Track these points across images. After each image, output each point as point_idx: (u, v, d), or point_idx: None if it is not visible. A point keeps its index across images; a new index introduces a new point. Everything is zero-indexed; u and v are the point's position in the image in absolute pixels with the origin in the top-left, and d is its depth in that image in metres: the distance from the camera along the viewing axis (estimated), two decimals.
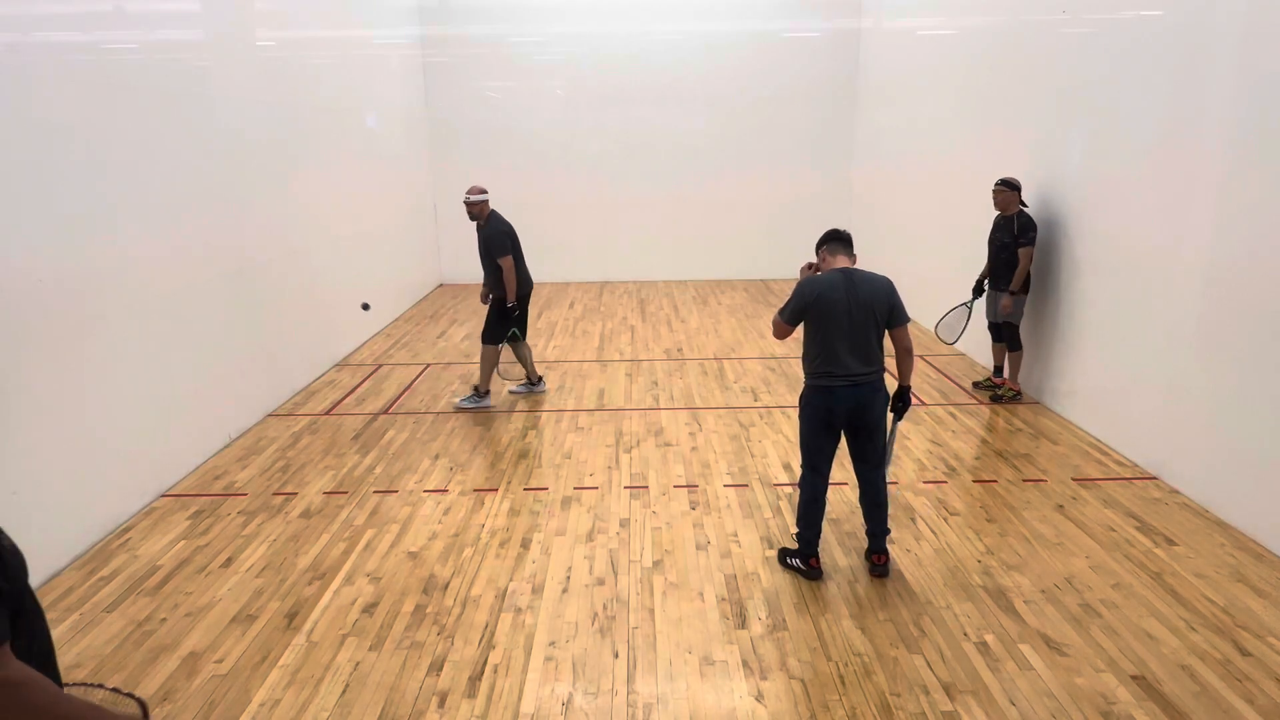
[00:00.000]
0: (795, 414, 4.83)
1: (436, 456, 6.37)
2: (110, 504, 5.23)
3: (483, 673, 3.83)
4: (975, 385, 7.76)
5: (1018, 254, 6.92)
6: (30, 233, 4.64)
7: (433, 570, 4.72)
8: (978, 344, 7.94)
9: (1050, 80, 7.19)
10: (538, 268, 12.36)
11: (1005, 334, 7.27)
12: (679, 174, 13.28)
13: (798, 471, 4.79)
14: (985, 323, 7.51)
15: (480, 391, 7.48)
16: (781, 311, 4.47)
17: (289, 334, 7.86)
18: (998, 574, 4.58)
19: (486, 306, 7.57)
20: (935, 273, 9.51)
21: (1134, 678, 3.71)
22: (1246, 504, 4.99)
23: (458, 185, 13.16)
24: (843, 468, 5.17)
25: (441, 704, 3.62)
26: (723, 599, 4.39)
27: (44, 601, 4.39)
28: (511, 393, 7.82)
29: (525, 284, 7.42)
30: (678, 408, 7.42)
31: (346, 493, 5.75)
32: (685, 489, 5.73)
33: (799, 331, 4.53)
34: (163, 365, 5.84)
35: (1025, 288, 7.07)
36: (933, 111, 9.95)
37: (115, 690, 2.11)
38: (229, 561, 4.84)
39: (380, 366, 8.85)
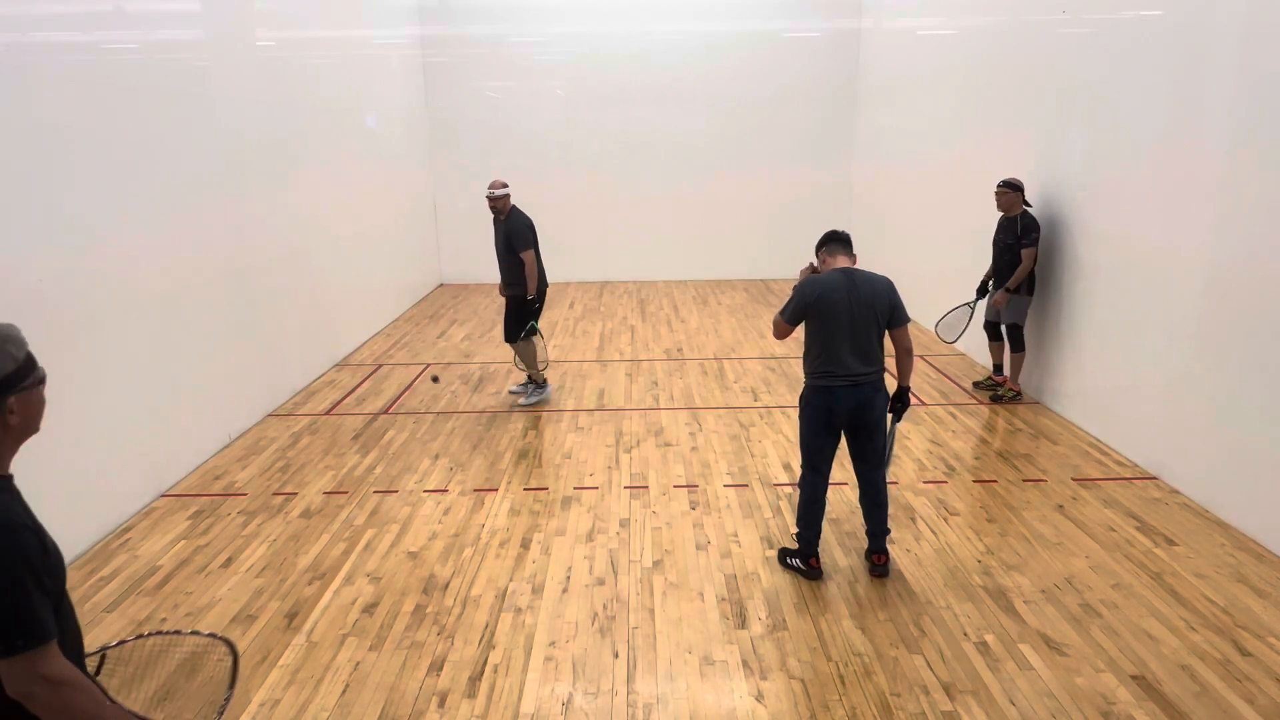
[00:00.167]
0: (795, 414, 4.83)
1: (436, 456, 6.37)
2: (110, 504, 5.23)
3: (483, 673, 3.83)
4: (976, 385, 7.76)
5: (1021, 254, 6.92)
6: (30, 232, 4.64)
7: (433, 570, 4.72)
8: (979, 344, 7.94)
9: (1050, 80, 7.19)
10: None
11: (1009, 335, 7.27)
12: (679, 174, 13.28)
13: (798, 471, 4.79)
14: (982, 322, 7.50)
15: (537, 382, 7.58)
16: (782, 311, 4.47)
17: (289, 334, 7.86)
18: (998, 574, 4.58)
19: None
20: (935, 273, 9.51)
21: (1134, 678, 3.71)
22: (1246, 504, 4.99)
23: (458, 185, 13.24)
24: (843, 468, 5.17)
25: (441, 704, 3.62)
26: (723, 599, 4.39)
27: None
28: (512, 393, 7.82)
29: (542, 281, 7.45)
30: (678, 408, 7.42)
31: (346, 493, 5.75)
32: (685, 489, 5.73)
33: (799, 331, 4.53)
34: (162, 365, 5.84)
35: (1030, 289, 7.06)
36: (933, 111, 9.95)
37: (211, 635, 2.15)
38: (229, 561, 4.84)
39: (380, 366, 8.85)
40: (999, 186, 7.04)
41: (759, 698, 3.63)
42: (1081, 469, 5.93)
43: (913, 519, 5.23)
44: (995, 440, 6.56)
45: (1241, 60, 5.02)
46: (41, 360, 1.96)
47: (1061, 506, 5.37)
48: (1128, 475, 5.82)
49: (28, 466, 2.52)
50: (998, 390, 7.46)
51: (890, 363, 4.47)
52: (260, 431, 6.93)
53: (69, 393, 4.80)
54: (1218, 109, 5.20)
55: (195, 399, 6.21)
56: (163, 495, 5.72)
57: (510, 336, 7.49)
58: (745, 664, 3.86)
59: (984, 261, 7.45)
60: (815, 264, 4.66)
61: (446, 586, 4.55)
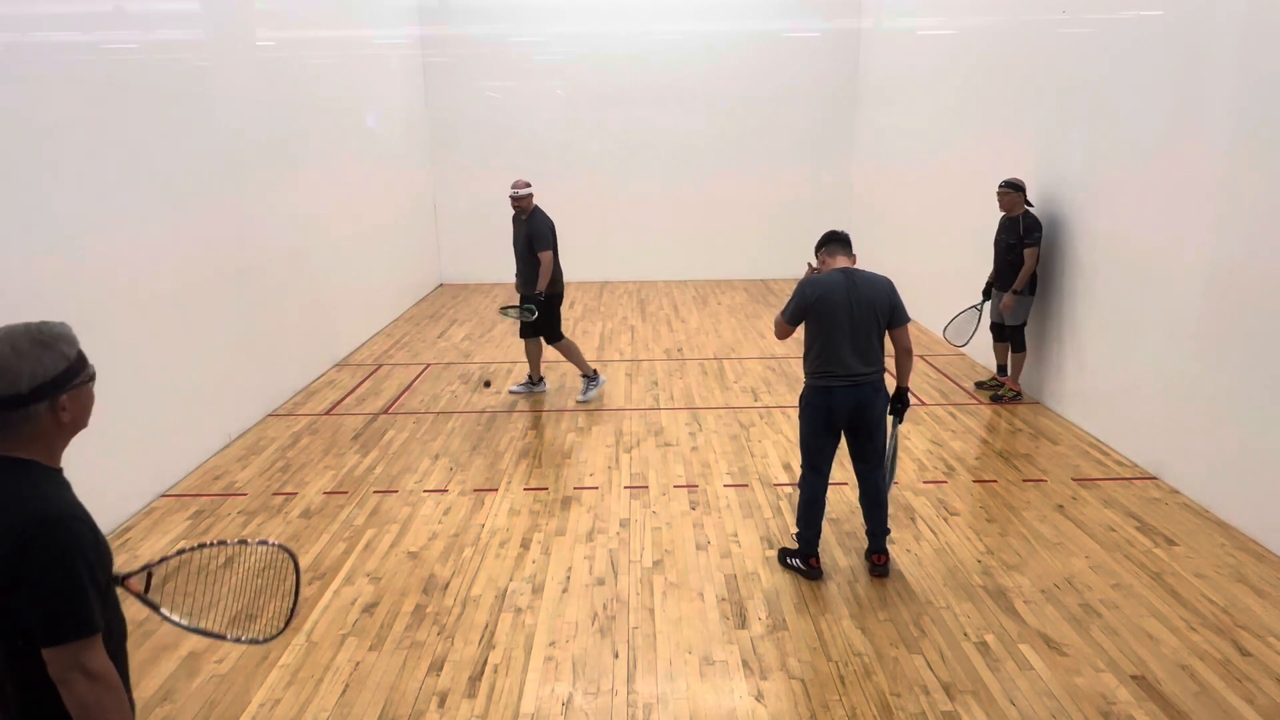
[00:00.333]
0: (795, 414, 4.83)
1: (436, 456, 6.37)
2: (110, 503, 5.23)
3: (483, 673, 3.83)
4: (978, 385, 7.75)
5: (1023, 254, 6.92)
6: (30, 232, 4.64)
7: (433, 570, 4.72)
8: (980, 344, 7.94)
9: (1050, 80, 7.19)
10: None
11: (1011, 335, 7.26)
12: (679, 174, 13.28)
13: (798, 471, 4.79)
14: (988, 323, 7.50)
15: (589, 376, 7.64)
16: (783, 312, 4.47)
17: (289, 334, 7.86)
18: (998, 574, 4.58)
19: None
20: (935, 273, 9.51)
21: (1134, 678, 3.71)
22: (1246, 504, 4.99)
23: (458, 185, 13.25)
24: (843, 468, 5.17)
25: (441, 704, 3.62)
26: (723, 599, 4.39)
27: None
28: (511, 392, 7.82)
29: (559, 283, 7.49)
30: (678, 408, 7.42)
31: (346, 493, 5.75)
32: (685, 489, 5.73)
33: (800, 331, 4.53)
34: (163, 365, 5.84)
35: (1031, 289, 7.06)
36: (933, 111, 9.95)
37: (262, 543, 2.31)
38: (229, 561, 4.83)
39: (380, 366, 8.85)
40: (1001, 187, 7.03)
41: (759, 698, 3.63)
42: (1081, 469, 5.93)
43: (913, 519, 5.23)
44: (995, 440, 6.56)
45: (1241, 60, 5.02)
46: None
47: (1061, 506, 5.37)
48: (1128, 475, 5.82)
49: None
50: (998, 390, 7.46)
51: (890, 363, 4.47)
52: (260, 431, 6.93)
53: None
54: (1218, 109, 5.20)
55: (195, 399, 6.21)
56: (163, 495, 5.73)
57: (553, 337, 7.52)
58: (745, 664, 3.86)
59: (984, 261, 7.44)
60: (813, 264, 4.67)
61: (446, 586, 4.56)
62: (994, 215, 7.24)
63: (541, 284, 7.29)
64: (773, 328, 4.58)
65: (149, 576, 2.17)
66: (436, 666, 3.87)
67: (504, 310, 7.73)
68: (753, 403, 7.51)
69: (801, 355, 4.54)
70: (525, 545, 4.99)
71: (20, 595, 1.76)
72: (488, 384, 8.09)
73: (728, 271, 13.62)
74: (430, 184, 13.17)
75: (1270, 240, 4.77)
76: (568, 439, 6.72)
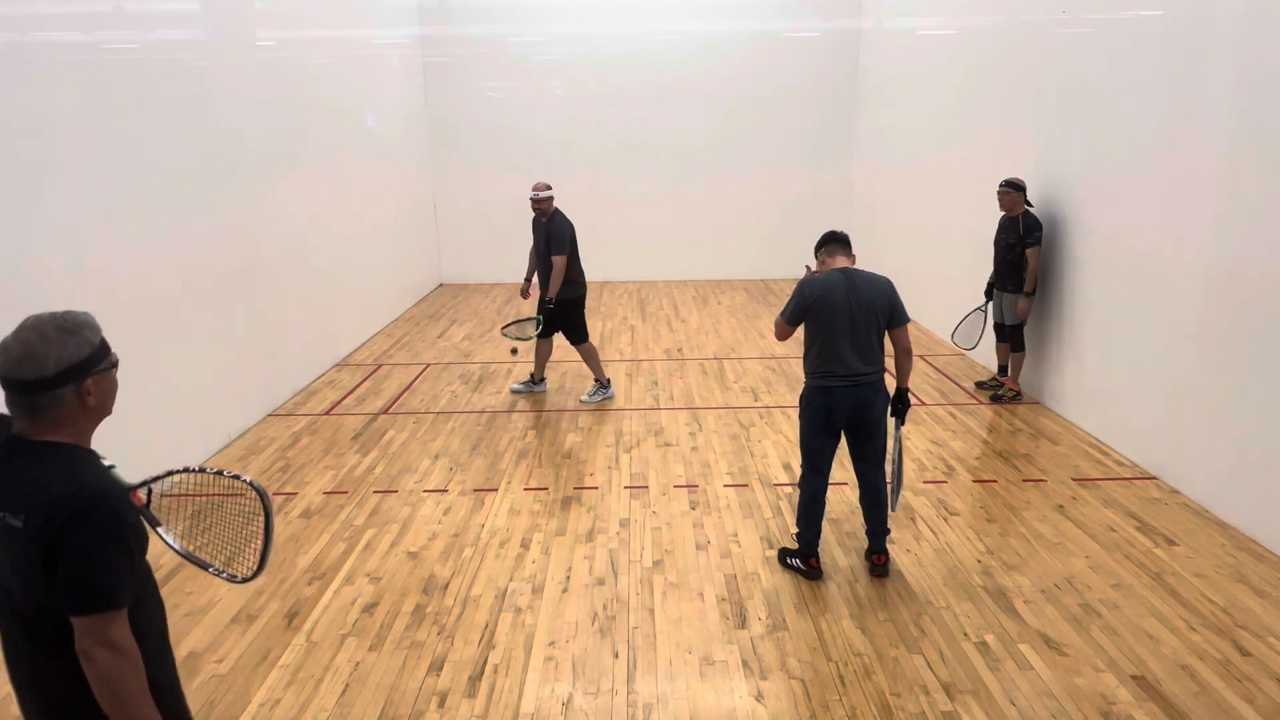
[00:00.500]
0: (795, 414, 4.83)
1: (436, 456, 6.37)
2: None
3: (483, 673, 3.83)
4: (978, 385, 7.75)
5: (1025, 255, 6.91)
6: (30, 232, 4.64)
7: (433, 570, 4.72)
8: (981, 345, 7.93)
9: (1050, 80, 7.19)
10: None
11: (1010, 335, 7.26)
12: (679, 174, 13.27)
13: (798, 471, 4.79)
14: (991, 323, 7.49)
15: (601, 383, 7.63)
16: (782, 312, 4.47)
17: (289, 334, 7.86)
18: (998, 574, 4.58)
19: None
20: (936, 273, 9.51)
21: (1134, 678, 3.71)
22: (1246, 504, 4.99)
23: (458, 185, 13.25)
24: (843, 468, 5.17)
25: (441, 704, 3.62)
26: (723, 599, 4.39)
27: None
28: (513, 391, 7.83)
29: (581, 285, 7.49)
30: (678, 408, 7.43)
31: (346, 493, 5.75)
32: (685, 489, 5.73)
33: (800, 331, 4.53)
34: (162, 365, 5.84)
35: (1033, 288, 7.06)
36: (933, 111, 9.95)
37: (235, 477, 2.31)
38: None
39: (380, 366, 8.85)
40: (1001, 186, 7.03)
41: (759, 698, 3.63)
42: (1081, 469, 5.93)
43: (913, 519, 5.23)
44: (995, 440, 6.56)
45: (1241, 60, 5.02)
46: None
47: (1061, 506, 5.37)
48: (1128, 475, 5.82)
49: None
50: (998, 390, 7.46)
51: (891, 364, 4.47)
52: (260, 431, 6.94)
53: None
54: (1218, 109, 5.20)
55: (195, 399, 6.21)
56: (163, 496, 5.71)
57: (578, 339, 7.52)
58: (745, 664, 3.86)
59: (984, 261, 7.44)
60: (811, 267, 4.67)
61: (446, 586, 4.56)
62: (994, 215, 7.23)
63: (553, 289, 7.28)
64: (773, 329, 4.57)
65: (149, 492, 2.23)
66: (436, 666, 3.87)
67: (505, 331, 7.70)
68: (753, 403, 7.51)
69: (801, 355, 4.54)
70: (525, 545, 4.99)
71: (62, 563, 1.83)
72: (515, 351, 8.03)
73: (728, 271, 13.62)
74: (430, 184, 13.16)
75: (1270, 240, 4.77)
76: (568, 439, 6.72)
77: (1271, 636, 3.98)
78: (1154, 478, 5.75)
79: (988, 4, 8.57)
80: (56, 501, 1.83)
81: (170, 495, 2.30)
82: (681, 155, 13.24)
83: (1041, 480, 5.77)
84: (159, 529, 2.24)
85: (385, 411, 7.43)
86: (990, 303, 7.42)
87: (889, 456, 4.66)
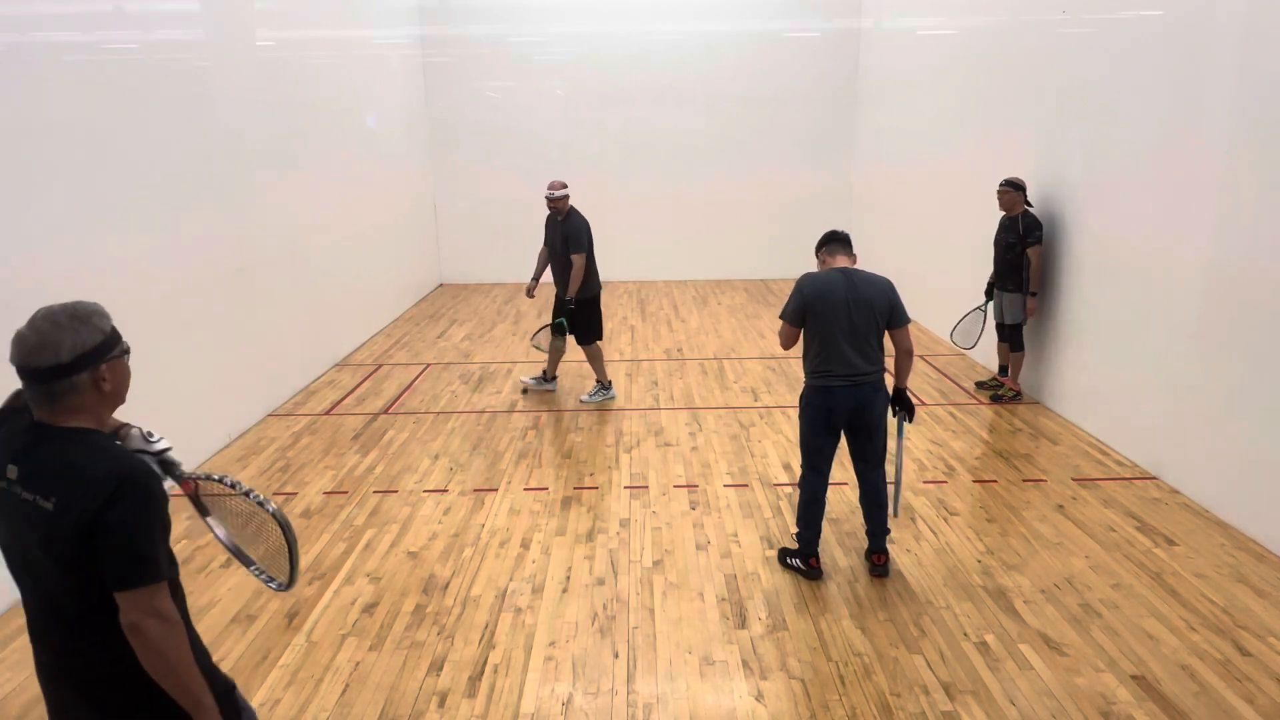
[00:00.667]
0: (795, 414, 4.83)
1: (436, 456, 6.37)
2: None
3: (483, 673, 3.83)
4: (978, 385, 7.75)
5: (1026, 254, 6.91)
6: (30, 232, 4.64)
7: (433, 570, 4.72)
8: (981, 345, 7.93)
9: (1050, 80, 7.19)
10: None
11: (1010, 334, 7.26)
12: (679, 174, 13.27)
13: (798, 471, 4.79)
14: (993, 324, 7.49)
15: (603, 384, 7.61)
16: (782, 314, 4.45)
17: (289, 334, 7.86)
18: (998, 574, 4.58)
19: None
20: (936, 273, 9.51)
21: (1134, 678, 3.71)
22: (1246, 504, 4.99)
23: (458, 185, 13.25)
24: (843, 468, 5.17)
25: (441, 704, 3.62)
26: (723, 599, 4.39)
27: None
28: (522, 384, 7.83)
29: (596, 284, 7.47)
30: (678, 408, 7.43)
31: (346, 493, 5.75)
32: (685, 489, 5.73)
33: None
34: (162, 365, 5.83)
35: (1037, 288, 7.05)
36: (933, 112, 9.95)
37: (260, 504, 2.31)
38: (229, 561, 4.83)
39: (380, 366, 8.86)
40: (1001, 186, 7.03)
41: (759, 698, 3.63)
42: (1081, 469, 5.93)
43: (913, 519, 5.23)
44: (995, 440, 6.56)
45: (1241, 60, 5.02)
46: None
47: (1061, 506, 5.37)
48: (1128, 475, 5.82)
49: None
50: (998, 390, 7.46)
51: (891, 364, 4.47)
52: (260, 431, 6.94)
53: None
54: (1218, 109, 5.20)
55: (195, 399, 6.21)
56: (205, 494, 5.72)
57: (585, 339, 7.50)
58: (745, 664, 3.86)
59: (984, 261, 7.44)
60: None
61: (446, 586, 4.56)
62: (994, 215, 7.24)
63: (572, 288, 7.26)
64: (778, 337, 4.56)
65: (197, 485, 2.31)
66: (436, 666, 3.87)
67: (535, 343, 7.66)
68: (753, 403, 7.51)
69: (801, 356, 4.54)
70: (525, 545, 4.99)
71: (104, 541, 1.87)
72: (538, 347, 7.90)
73: (728, 271, 13.62)
74: (430, 184, 13.17)
75: (1270, 240, 4.77)
76: (568, 439, 6.72)
77: (1271, 636, 3.98)
78: (1154, 478, 5.75)
79: (988, 4, 8.57)
80: (92, 482, 1.88)
81: (211, 495, 2.36)
82: (681, 155, 13.24)
83: (1041, 480, 5.77)
84: (208, 518, 2.34)
85: (385, 411, 7.43)
86: (990, 302, 7.42)
87: (889, 459, 4.65)
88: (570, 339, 7.54)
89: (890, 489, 4.67)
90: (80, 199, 5.04)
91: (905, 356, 4.49)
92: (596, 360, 7.61)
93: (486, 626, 4.18)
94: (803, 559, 4.58)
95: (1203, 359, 5.34)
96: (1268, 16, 4.81)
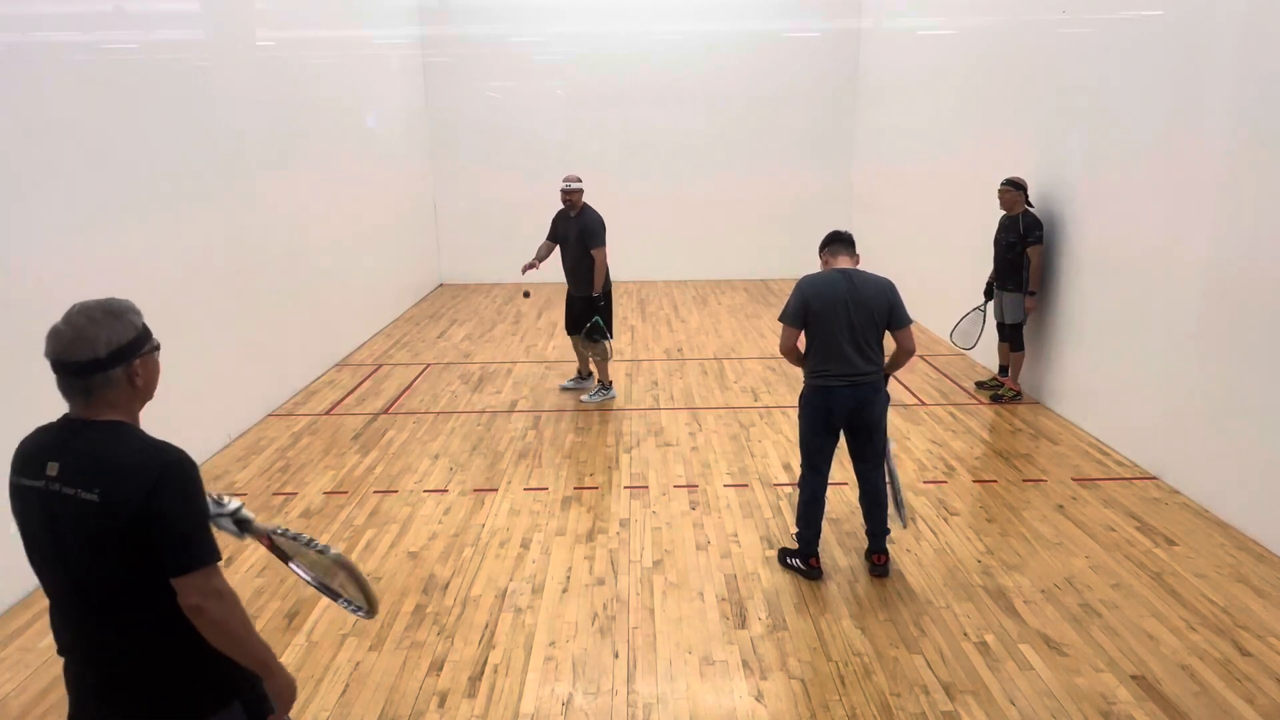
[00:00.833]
0: (795, 414, 4.83)
1: (436, 456, 6.37)
2: None
3: (483, 673, 3.83)
4: (978, 385, 7.75)
5: (1026, 254, 6.91)
6: (30, 232, 4.64)
7: (433, 570, 4.72)
8: (981, 344, 7.93)
9: (1050, 80, 7.19)
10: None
11: (1010, 334, 7.26)
12: (679, 174, 13.28)
13: (798, 471, 4.79)
14: (993, 323, 7.49)
15: (604, 384, 7.60)
16: (783, 315, 4.43)
17: (289, 334, 7.86)
18: (998, 574, 4.58)
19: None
20: (936, 273, 9.51)
21: (1134, 678, 3.71)
22: (1246, 504, 4.99)
23: (458, 185, 13.25)
24: (843, 468, 5.17)
25: (441, 704, 3.62)
26: (723, 599, 4.39)
27: (45, 603, 4.39)
28: (563, 389, 7.81)
29: (608, 281, 7.45)
30: (678, 408, 7.42)
31: (346, 493, 5.75)
32: (685, 489, 5.73)
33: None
34: (162, 364, 5.82)
35: (1036, 287, 7.05)
36: (933, 111, 9.95)
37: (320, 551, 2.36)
38: (229, 561, 4.84)
39: (380, 366, 8.86)
40: (1002, 185, 7.03)
41: (759, 698, 3.63)
42: (1081, 469, 5.93)
43: (913, 519, 5.23)
44: (995, 440, 6.56)
45: (1241, 60, 5.02)
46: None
47: (1061, 506, 5.37)
48: (1128, 475, 5.82)
49: None
50: (998, 390, 7.45)
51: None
52: (260, 431, 6.94)
53: None
54: (1218, 109, 5.20)
55: (195, 399, 6.20)
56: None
57: (585, 334, 7.43)
58: (745, 664, 3.86)
59: (985, 261, 7.44)
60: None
61: (446, 586, 4.56)
62: (994, 215, 7.24)
63: (597, 283, 7.25)
64: (779, 341, 4.54)
65: (271, 539, 2.39)
66: (436, 666, 3.87)
67: (588, 348, 7.49)
68: (753, 403, 7.51)
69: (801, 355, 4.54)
70: (525, 545, 4.99)
71: (154, 530, 1.90)
72: (527, 294, 7.89)
73: (728, 271, 13.62)
74: (430, 184, 13.17)
75: (1270, 240, 4.77)
76: (568, 439, 6.72)
77: (1271, 636, 3.98)
78: (1154, 478, 5.75)
79: (988, 4, 8.57)
80: (134, 472, 1.91)
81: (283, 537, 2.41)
82: (681, 155, 13.24)
83: (1041, 480, 5.77)
84: (290, 563, 2.45)
85: (385, 411, 7.43)
86: (990, 302, 7.42)
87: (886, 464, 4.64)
88: (572, 338, 7.51)
89: (889, 487, 4.66)
90: (80, 199, 5.04)
91: (905, 355, 4.47)
92: (601, 359, 7.60)
93: (486, 626, 4.18)
94: (803, 559, 4.58)
95: (1203, 359, 5.34)
96: (1268, 16, 4.81)
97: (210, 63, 6.69)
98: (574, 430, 6.91)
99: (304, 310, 8.17)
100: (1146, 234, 5.88)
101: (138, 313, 2.11)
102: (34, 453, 2.02)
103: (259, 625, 4.20)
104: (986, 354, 7.97)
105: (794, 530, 4.74)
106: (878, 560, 4.57)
